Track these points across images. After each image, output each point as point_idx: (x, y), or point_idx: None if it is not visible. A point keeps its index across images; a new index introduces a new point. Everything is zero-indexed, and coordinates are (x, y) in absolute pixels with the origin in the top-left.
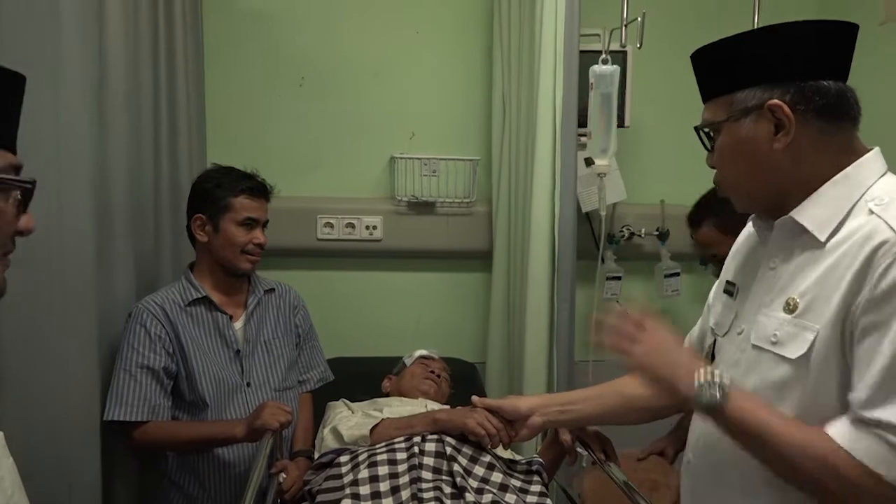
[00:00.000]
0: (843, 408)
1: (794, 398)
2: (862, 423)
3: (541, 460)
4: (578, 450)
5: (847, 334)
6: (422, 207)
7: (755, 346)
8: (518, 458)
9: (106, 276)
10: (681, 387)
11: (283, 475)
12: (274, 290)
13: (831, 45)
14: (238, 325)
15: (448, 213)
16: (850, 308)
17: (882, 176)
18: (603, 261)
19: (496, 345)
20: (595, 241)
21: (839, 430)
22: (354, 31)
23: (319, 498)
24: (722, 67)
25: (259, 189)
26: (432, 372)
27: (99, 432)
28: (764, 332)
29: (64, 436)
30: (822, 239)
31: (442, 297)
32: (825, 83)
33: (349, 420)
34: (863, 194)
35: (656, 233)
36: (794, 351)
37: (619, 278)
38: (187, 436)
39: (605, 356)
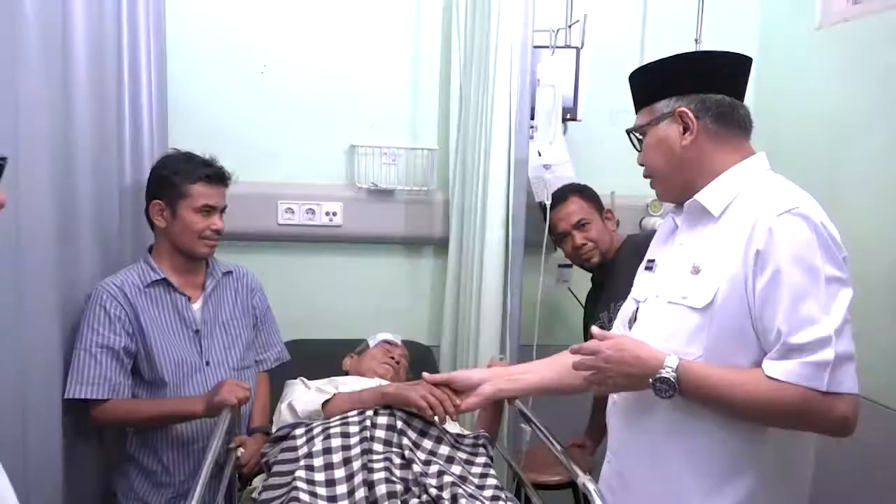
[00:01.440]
0: (742, 347)
1: (702, 340)
2: (788, 352)
3: (487, 434)
4: (522, 425)
5: (747, 291)
6: (381, 195)
7: (670, 303)
8: (466, 432)
9: (70, 258)
10: (643, 389)
11: (242, 450)
12: (231, 272)
13: (727, 69)
14: (196, 306)
15: (406, 201)
16: (743, 269)
17: (767, 171)
18: (555, 249)
19: (449, 328)
20: (547, 229)
21: (772, 368)
22: (317, 19)
23: (275, 469)
24: (648, 84)
25: (217, 176)
26: (392, 357)
27: (60, 411)
28: (676, 291)
29: (23, 414)
30: (716, 214)
31: (399, 281)
32: (720, 97)
33: (304, 396)
34: (749, 183)
35: None
36: (701, 302)
37: (570, 266)
38: (148, 412)
39: (551, 341)
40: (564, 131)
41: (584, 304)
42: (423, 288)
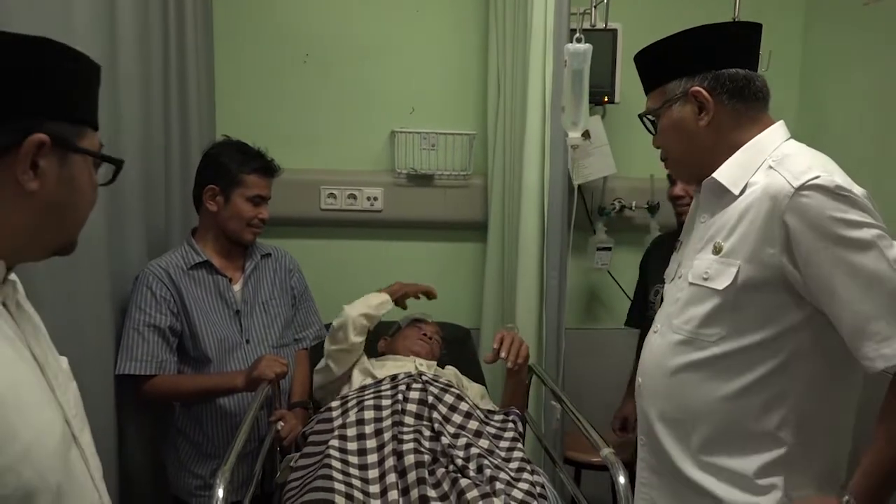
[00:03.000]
0: (771, 322)
1: (723, 322)
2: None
3: (517, 411)
4: (552, 402)
5: (776, 267)
6: (421, 180)
7: (691, 284)
8: (495, 408)
9: (119, 241)
10: None
11: (282, 423)
12: (270, 254)
13: (737, 41)
14: (237, 287)
15: (446, 185)
16: (765, 248)
17: (784, 141)
18: (594, 232)
19: (490, 312)
20: (587, 212)
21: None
22: (357, 8)
23: (311, 439)
24: (655, 65)
25: (270, 169)
26: (424, 334)
27: (113, 385)
28: (698, 271)
29: (82, 388)
30: (736, 192)
31: (439, 265)
32: (734, 71)
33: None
34: (768, 156)
35: (646, 206)
36: (722, 283)
37: (609, 249)
38: (192, 387)
39: (592, 324)
40: (603, 114)
41: (647, 252)
42: (463, 271)
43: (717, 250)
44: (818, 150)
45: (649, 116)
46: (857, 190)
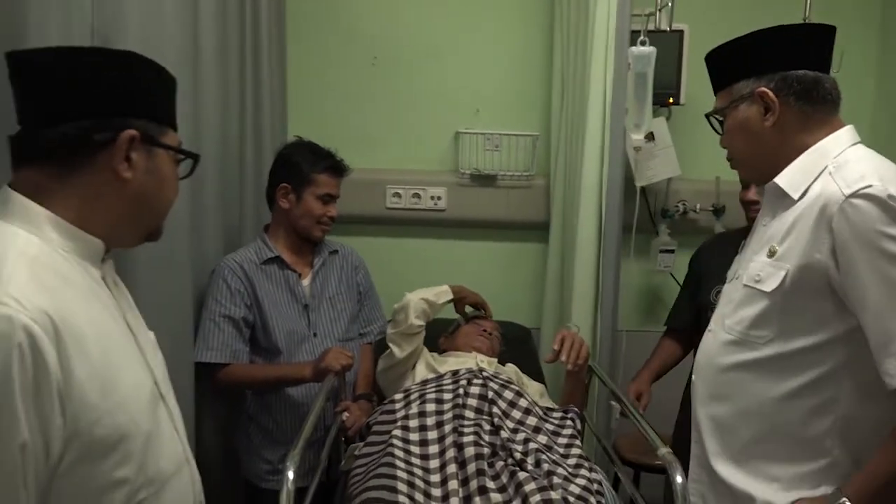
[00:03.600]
0: (817, 327)
1: (772, 324)
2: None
3: (577, 409)
4: (611, 402)
5: (827, 277)
6: (484, 180)
7: (745, 286)
8: (555, 406)
9: (198, 236)
10: None
11: (346, 414)
12: (337, 251)
13: (808, 42)
14: (306, 282)
15: (508, 186)
16: (814, 253)
17: (850, 146)
18: (657, 234)
19: (550, 311)
20: (650, 214)
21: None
22: (424, 12)
23: (374, 429)
24: (724, 65)
25: (339, 169)
26: (484, 330)
27: (192, 374)
28: (752, 273)
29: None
30: (795, 197)
31: (501, 264)
32: (802, 72)
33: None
34: (830, 161)
35: (711, 208)
36: (770, 285)
37: (672, 251)
38: (263, 376)
39: (652, 327)
40: (668, 116)
41: (702, 250)
42: (524, 271)
43: (771, 253)
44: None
45: (716, 116)
46: None
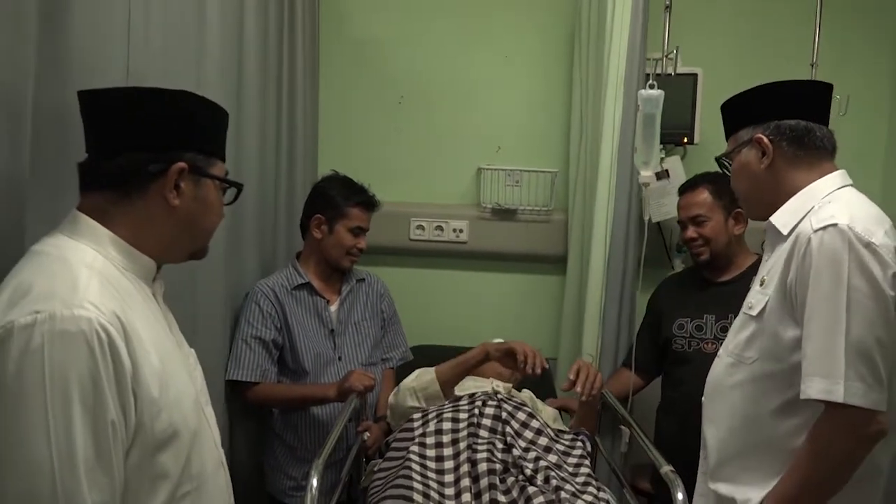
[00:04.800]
0: (787, 352)
1: (757, 346)
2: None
3: (587, 432)
4: (620, 427)
5: (790, 305)
6: (504, 214)
7: (743, 313)
8: (566, 429)
9: (236, 262)
10: None
11: (367, 434)
12: (364, 279)
13: (803, 95)
14: (333, 308)
15: (528, 220)
16: (784, 280)
17: (837, 189)
18: (673, 268)
19: (567, 342)
20: (665, 249)
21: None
22: (448, 54)
23: (393, 445)
24: (731, 114)
25: (371, 203)
26: None
27: (224, 391)
28: (748, 302)
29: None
30: (785, 233)
31: (519, 295)
32: (794, 122)
33: (409, 378)
34: (817, 202)
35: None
36: (756, 310)
37: None
38: (290, 395)
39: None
40: (683, 154)
41: (660, 290)
42: (542, 302)
43: (762, 283)
44: None
45: (725, 159)
46: (879, 241)
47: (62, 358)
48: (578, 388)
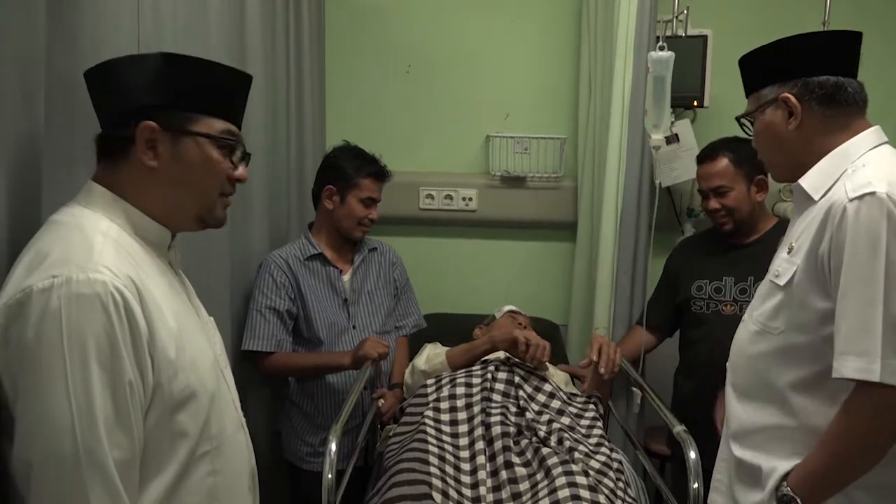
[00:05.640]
0: (817, 324)
1: (785, 316)
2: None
3: (599, 395)
4: (633, 388)
5: (823, 275)
6: (513, 182)
7: (769, 281)
8: (578, 392)
9: (243, 232)
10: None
11: (382, 400)
12: (376, 248)
13: (830, 48)
14: (346, 277)
15: (537, 187)
16: (816, 250)
17: (872, 148)
18: (683, 233)
19: (578, 309)
20: (675, 213)
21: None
22: (456, 22)
23: (408, 410)
24: (753, 71)
25: (382, 174)
26: (519, 324)
27: (236, 358)
28: (774, 269)
29: None
30: (816, 198)
31: (530, 263)
32: (824, 78)
33: (421, 358)
34: (851, 163)
35: None
36: (784, 279)
37: None
38: (305, 364)
39: None
40: (693, 118)
41: (678, 251)
42: (553, 269)
43: (790, 250)
44: None
45: (747, 119)
46: None
47: (79, 319)
48: (602, 369)
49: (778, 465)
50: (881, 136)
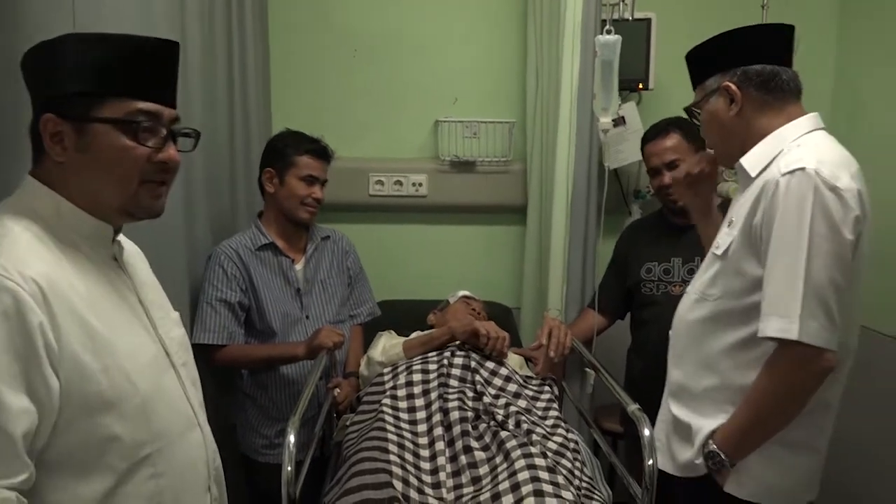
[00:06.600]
0: (743, 296)
1: (721, 284)
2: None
3: (553, 377)
4: (585, 369)
5: (754, 246)
6: (463, 166)
7: (710, 252)
8: (533, 375)
9: (190, 225)
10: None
11: (338, 390)
12: (329, 237)
13: (766, 39)
14: (298, 267)
15: (487, 172)
16: (750, 221)
17: (807, 133)
18: (630, 214)
19: (529, 291)
20: (623, 195)
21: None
22: (403, 5)
23: (365, 399)
24: (698, 63)
25: (321, 151)
26: (473, 310)
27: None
28: (716, 241)
29: None
30: (753, 175)
31: (481, 247)
32: (760, 67)
33: (377, 348)
34: (786, 146)
35: None
36: (721, 249)
37: None
38: (258, 355)
39: None
40: (638, 101)
41: (626, 235)
42: (504, 253)
43: (729, 223)
44: (854, 135)
45: (695, 109)
46: (845, 185)
47: None
48: (552, 353)
49: (705, 423)
50: (818, 122)
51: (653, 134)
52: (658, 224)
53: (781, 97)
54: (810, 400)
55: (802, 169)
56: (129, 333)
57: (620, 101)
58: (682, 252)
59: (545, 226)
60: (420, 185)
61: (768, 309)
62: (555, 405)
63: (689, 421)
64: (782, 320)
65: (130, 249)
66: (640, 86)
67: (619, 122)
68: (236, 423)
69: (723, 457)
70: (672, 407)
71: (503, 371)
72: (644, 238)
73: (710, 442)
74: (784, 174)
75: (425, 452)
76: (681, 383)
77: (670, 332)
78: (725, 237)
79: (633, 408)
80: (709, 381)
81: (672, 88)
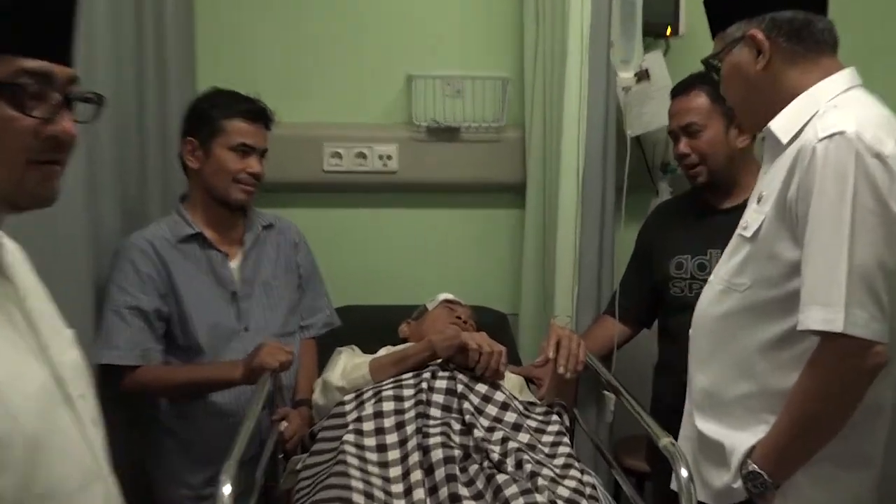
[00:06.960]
0: (784, 278)
1: (751, 271)
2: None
3: (563, 403)
4: (604, 392)
5: (790, 221)
6: (444, 133)
7: (737, 234)
8: (537, 401)
9: (94, 213)
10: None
11: (285, 423)
12: (273, 225)
13: None
14: (234, 264)
15: (474, 140)
16: (784, 196)
17: (844, 91)
18: (657, 194)
19: (530, 293)
20: (648, 169)
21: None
22: None
23: (321, 435)
24: (718, 8)
25: (257, 113)
26: (458, 317)
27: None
28: (744, 221)
29: None
30: (784, 142)
31: (468, 237)
32: (791, 13)
33: (336, 370)
34: (821, 106)
35: None
36: (750, 230)
37: None
38: (183, 379)
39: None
40: (666, 50)
41: (652, 221)
42: (497, 244)
43: (759, 200)
44: None
45: (713, 61)
46: (891, 150)
47: None
48: (561, 370)
49: (741, 439)
50: (855, 78)
51: (677, 90)
52: (691, 206)
53: (815, 49)
54: (860, 403)
55: (842, 133)
56: (9, 356)
57: (644, 51)
58: (721, 242)
59: (550, 209)
60: (389, 157)
61: (808, 297)
62: (565, 439)
63: (721, 439)
64: (824, 310)
65: (11, 248)
66: (668, 31)
67: (643, 76)
68: (150, 469)
69: (766, 477)
70: (697, 421)
71: (499, 396)
72: (674, 224)
73: (749, 461)
74: (821, 139)
75: (401, 503)
76: (708, 391)
77: (690, 332)
78: (755, 216)
79: (665, 441)
80: (742, 387)
81: (707, 35)
